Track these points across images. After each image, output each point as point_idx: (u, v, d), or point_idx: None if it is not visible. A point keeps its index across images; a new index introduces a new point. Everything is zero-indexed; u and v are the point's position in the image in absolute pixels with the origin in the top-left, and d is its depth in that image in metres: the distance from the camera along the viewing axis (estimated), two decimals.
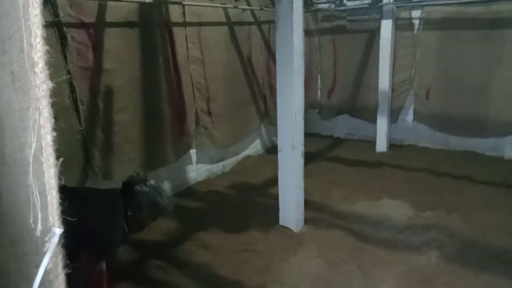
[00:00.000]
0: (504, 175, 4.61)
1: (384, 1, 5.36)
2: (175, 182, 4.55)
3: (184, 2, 4.17)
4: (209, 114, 4.79)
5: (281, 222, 3.60)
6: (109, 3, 3.49)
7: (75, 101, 3.37)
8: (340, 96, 6.42)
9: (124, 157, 3.78)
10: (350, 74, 6.22)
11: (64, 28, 3.22)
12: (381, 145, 5.80)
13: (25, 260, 0.98)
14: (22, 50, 0.85)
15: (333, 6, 6.15)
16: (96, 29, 3.44)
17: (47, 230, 0.88)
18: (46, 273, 0.88)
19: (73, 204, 1.04)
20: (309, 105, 6.39)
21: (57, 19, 3.12)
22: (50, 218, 0.87)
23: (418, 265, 2.96)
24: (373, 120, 5.91)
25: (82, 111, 3.43)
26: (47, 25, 2.93)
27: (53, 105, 0.87)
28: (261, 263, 3.08)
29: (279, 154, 3.48)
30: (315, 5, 6.22)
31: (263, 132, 6.13)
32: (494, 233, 3.34)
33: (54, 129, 0.87)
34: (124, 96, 3.72)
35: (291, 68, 3.21)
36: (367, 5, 5.64)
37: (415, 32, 5.57)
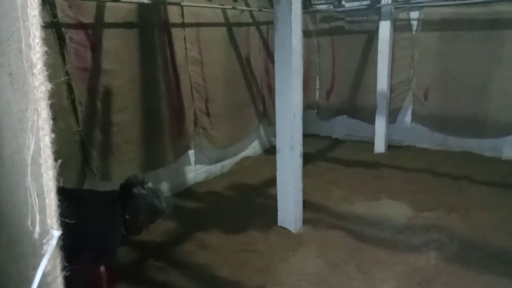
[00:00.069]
0: (503, 175, 4.62)
1: (382, 2, 5.36)
2: (173, 182, 4.54)
3: (182, 3, 4.17)
4: (208, 114, 4.78)
5: (279, 223, 3.60)
6: (108, 4, 3.49)
7: (73, 102, 3.36)
8: (339, 97, 6.42)
9: (123, 157, 3.77)
10: (348, 75, 6.22)
11: (63, 29, 3.21)
12: (380, 146, 5.81)
13: (23, 262, 0.97)
14: (21, 51, 0.85)
15: (331, 7, 6.16)
16: (94, 29, 3.43)
17: (45, 232, 0.87)
18: (44, 275, 0.87)
19: (71, 206, 1.04)
20: (308, 106, 6.39)
21: (56, 19, 3.11)
22: (48, 220, 0.87)
23: (417, 265, 2.96)
24: (371, 121, 5.91)
25: (80, 112, 3.43)
26: (45, 26, 2.92)
27: (51, 106, 0.87)
28: (260, 264, 3.08)
29: (277, 154, 3.48)
30: (313, 6, 6.23)
31: (262, 133, 6.13)
32: (494, 233, 3.34)
33: (53, 131, 0.87)
34: (123, 97, 3.71)
35: (289, 69, 3.21)
36: (365, 6, 5.65)
37: (414, 33, 5.58)
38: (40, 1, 0.84)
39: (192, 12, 4.36)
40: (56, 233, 0.87)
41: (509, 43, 4.90)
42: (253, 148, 5.96)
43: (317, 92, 6.68)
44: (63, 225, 0.91)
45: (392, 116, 5.92)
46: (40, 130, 0.85)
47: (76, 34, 3.30)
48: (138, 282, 2.90)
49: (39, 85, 0.84)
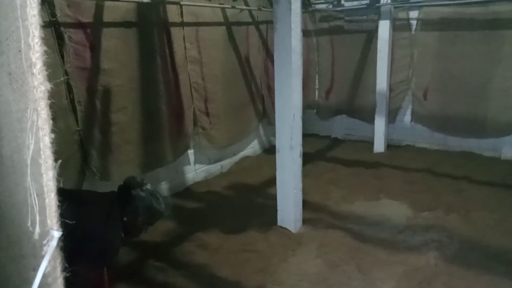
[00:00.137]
0: (503, 175, 4.62)
1: (382, 2, 5.36)
2: (173, 182, 4.54)
3: (182, 2, 4.16)
4: (207, 114, 4.78)
5: (279, 223, 3.59)
6: (107, 3, 3.48)
7: (72, 101, 3.35)
8: (338, 97, 6.42)
9: (122, 157, 3.76)
10: (348, 74, 6.22)
11: (62, 28, 3.20)
12: (379, 146, 5.81)
13: (23, 262, 0.97)
14: (20, 50, 0.84)
15: (331, 6, 6.15)
16: (93, 29, 3.42)
17: (45, 233, 0.87)
18: (44, 276, 0.87)
19: (70, 206, 1.03)
20: (307, 106, 6.38)
21: (54, 19, 3.10)
22: (49, 221, 0.86)
23: (417, 265, 2.96)
24: (371, 120, 5.91)
25: (80, 111, 3.42)
26: (44, 25, 2.91)
27: (51, 106, 0.86)
28: (260, 264, 3.08)
29: (277, 154, 3.48)
30: (313, 5, 6.22)
31: (261, 133, 6.13)
32: (493, 233, 3.34)
33: (52, 131, 0.86)
34: (122, 96, 3.70)
35: (289, 69, 3.21)
36: (365, 6, 5.64)
37: (413, 32, 5.58)
38: (39, 1, 0.84)
39: (191, 11, 4.35)
40: (56, 233, 0.86)
41: (509, 43, 4.91)
42: (253, 147, 5.95)
43: (317, 92, 6.67)
44: (64, 225, 0.90)
45: (392, 116, 5.92)
46: (39, 130, 0.84)
47: (75, 33, 3.29)
48: (138, 282, 2.90)
49: (38, 85, 0.84)
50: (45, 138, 0.84)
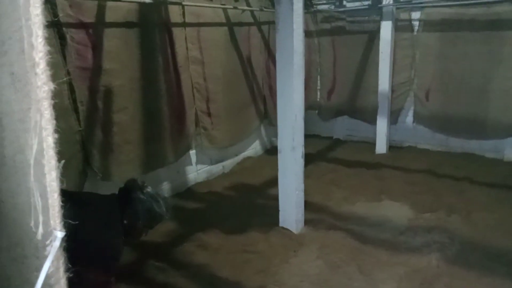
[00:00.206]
0: (505, 176, 4.61)
1: (383, 3, 5.36)
2: (174, 183, 4.54)
3: (183, 3, 4.16)
4: (209, 114, 4.78)
5: (281, 224, 3.59)
6: (109, 3, 3.48)
7: (74, 101, 3.35)
8: (340, 97, 6.41)
9: (124, 157, 3.76)
10: (349, 75, 6.21)
11: (64, 28, 3.20)
12: (381, 147, 5.80)
13: (26, 263, 0.96)
14: (23, 50, 0.84)
15: (332, 7, 6.15)
16: (95, 29, 3.42)
17: (48, 234, 0.86)
18: (47, 277, 0.87)
19: (72, 208, 1.02)
20: (309, 106, 6.37)
21: (56, 19, 3.10)
22: (51, 222, 0.86)
23: (418, 266, 2.96)
24: (372, 121, 5.90)
25: (82, 111, 3.42)
26: (47, 25, 2.91)
27: (53, 106, 0.86)
28: (261, 264, 3.07)
29: (279, 155, 3.47)
30: (314, 6, 6.22)
31: (263, 133, 6.13)
32: (495, 235, 3.34)
33: (56, 131, 0.86)
34: (124, 97, 3.70)
35: (291, 69, 3.20)
36: (366, 7, 5.64)
37: (415, 33, 5.57)
38: (42, 0, 0.83)
39: (193, 12, 4.35)
40: (60, 234, 0.86)
41: (510, 43, 4.89)
42: (254, 148, 5.95)
43: (318, 93, 6.66)
44: (66, 227, 0.90)
45: (394, 117, 5.91)
46: (43, 131, 0.84)
47: (77, 33, 3.29)
48: (138, 282, 2.89)
49: (42, 85, 0.83)
50: (49, 138, 0.84)
